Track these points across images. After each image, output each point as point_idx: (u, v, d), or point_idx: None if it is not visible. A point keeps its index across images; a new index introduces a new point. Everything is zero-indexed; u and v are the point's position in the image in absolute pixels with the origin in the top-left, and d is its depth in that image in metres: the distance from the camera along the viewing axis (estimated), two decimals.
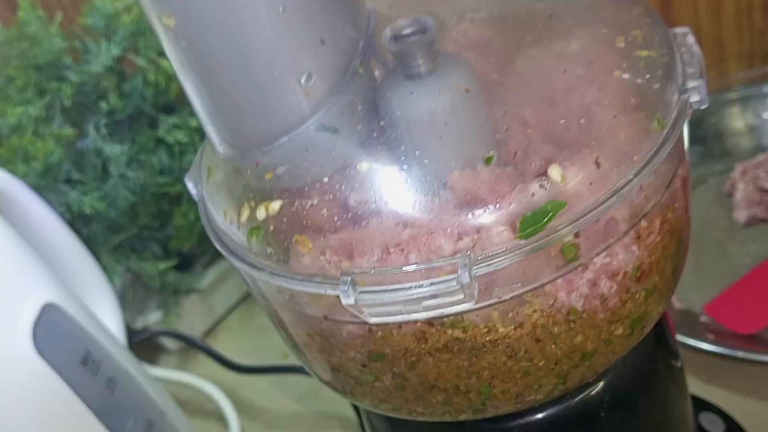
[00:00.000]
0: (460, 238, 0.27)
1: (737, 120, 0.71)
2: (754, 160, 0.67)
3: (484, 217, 0.27)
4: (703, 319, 0.58)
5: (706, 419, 0.50)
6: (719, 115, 0.71)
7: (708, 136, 0.71)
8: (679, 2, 0.72)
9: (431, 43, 0.29)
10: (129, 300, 0.71)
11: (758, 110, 0.71)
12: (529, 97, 0.30)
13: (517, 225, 0.27)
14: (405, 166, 0.29)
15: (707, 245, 0.64)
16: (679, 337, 0.54)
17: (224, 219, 0.33)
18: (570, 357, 0.31)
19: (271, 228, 0.30)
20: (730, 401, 0.52)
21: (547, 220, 0.27)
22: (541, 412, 0.36)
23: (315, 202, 0.29)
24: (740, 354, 0.53)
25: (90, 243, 0.63)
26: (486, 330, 0.29)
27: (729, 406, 0.51)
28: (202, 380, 0.67)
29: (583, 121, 0.28)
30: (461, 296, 0.27)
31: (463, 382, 0.31)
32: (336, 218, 0.29)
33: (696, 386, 0.54)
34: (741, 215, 0.65)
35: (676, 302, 0.60)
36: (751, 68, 0.75)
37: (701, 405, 0.51)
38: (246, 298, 0.80)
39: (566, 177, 0.27)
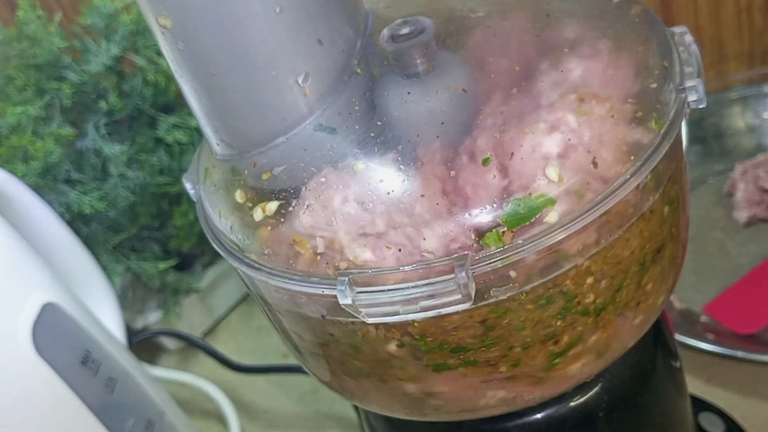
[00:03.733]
0: (456, 238, 0.27)
1: (737, 120, 0.71)
2: (754, 160, 0.67)
3: (481, 217, 0.27)
4: (703, 319, 0.58)
5: (706, 419, 0.50)
6: (719, 114, 0.71)
7: (708, 136, 0.71)
8: (678, 2, 0.72)
9: (429, 44, 0.29)
10: (129, 300, 0.71)
11: (758, 110, 0.71)
12: (526, 97, 0.30)
13: (507, 220, 0.27)
14: (402, 166, 0.29)
15: (707, 245, 0.64)
16: (679, 337, 0.54)
17: (221, 219, 0.33)
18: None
19: (269, 228, 0.30)
20: (730, 401, 0.52)
21: (532, 215, 0.27)
22: (539, 412, 0.36)
23: (312, 201, 0.29)
24: (740, 354, 0.53)
25: (90, 243, 0.63)
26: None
27: (729, 406, 0.51)
28: (202, 380, 0.67)
29: (580, 120, 0.28)
30: (458, 296, 0.26)
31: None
32: (333, 218, 0.29)
33: (696, 386, 0.54)
34: (741, 215, 0.65)
35: (676, 302, 0.60)
36: (751, 68, 0.75)
37: (701, 405, 0.51)
38: (246, 298, 0.80)
39: (563, 177, 0.27)
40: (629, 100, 0.29)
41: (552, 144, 0.28)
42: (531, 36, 0.32)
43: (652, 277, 0.32)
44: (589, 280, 0.29)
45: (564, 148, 0.28)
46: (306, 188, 0.29)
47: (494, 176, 0.28)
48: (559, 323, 0.30)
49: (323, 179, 0.29)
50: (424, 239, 0.27)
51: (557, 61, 0.30)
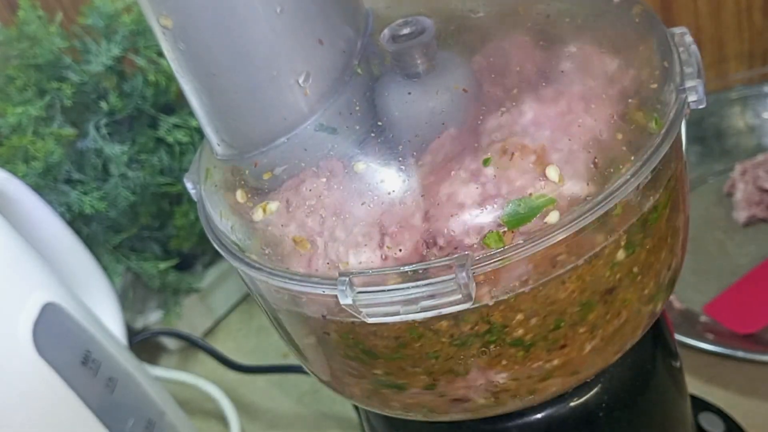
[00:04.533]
0: (457, 238, 0.27)
1: (737, 120, 0.71)
2: (754, 160, 0.67)
3: (482, 217, 0.27)
4: (703, 319, 0.58)
5: (706, 419, 0.50)
6: (719, 114, 0.71)
7: (708, 136, 0.71)
8: (679, 2, 0.72)
9: (429, 44, 0.29)
10: (129, 300, 0.71)
11: (758, 110, 0.71)
12: (526, 98, 0.30)
13: (508, 220, 0.27)
14: (403, 167, 0.29)
15: (707, 245, 0.64)
16: (679, 337, 0.54)
17: (222, 219, 0.33)
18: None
19: (269, 228, 0.30)
20: (730, 401, 0.52)
21: (533, 215, 0.27)
22: (540, 412, 0.36)
23: (313, 202, 0.29)
24: (740, 354, 0.53)
25: (90, 243, 0.63)
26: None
27: (729, 406, 0.51)
28: (202, 380, 0.67)
29: (580, 121, 0.28)
30: (459, 296, 0.27)
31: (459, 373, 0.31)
32: (334, 218, 0.29)
33: (696, 386, 0.54)
34: (741, 215, 0.65)
35: (676, 302, 0.60)
36: (751, 68, 0.75)
37: (701, 405, 0.51)
38: (246, 298, 0.80)
39: (563, 177, 0.27)
40: (630, 100, 0.29)
41: (465, 194, 0.27)
42: (521, 51, 0.31)
43: (651, 276, 0.32)
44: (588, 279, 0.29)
45: (480, 200, 0.27)
46: (284, 185, 0.30)
47: (417, 219, 0.28)
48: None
49: (300, 179, 0.29)
50: (425, 239, 0.28)
51: (516, 100, 0.29)
